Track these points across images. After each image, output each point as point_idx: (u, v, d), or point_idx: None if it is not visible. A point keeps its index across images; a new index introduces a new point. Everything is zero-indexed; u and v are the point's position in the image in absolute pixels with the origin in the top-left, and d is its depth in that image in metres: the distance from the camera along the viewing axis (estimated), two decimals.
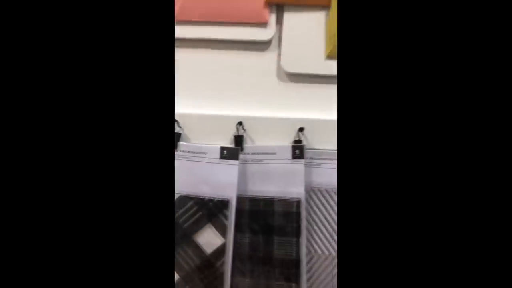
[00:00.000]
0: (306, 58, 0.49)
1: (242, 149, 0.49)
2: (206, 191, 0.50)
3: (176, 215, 0.51)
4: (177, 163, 0.50)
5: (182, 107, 0.51)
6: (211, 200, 0.50)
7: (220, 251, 0.50)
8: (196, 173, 0.49)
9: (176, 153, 0.50)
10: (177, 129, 0.50)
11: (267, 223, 0.50)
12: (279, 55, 0.50)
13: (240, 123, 0.49)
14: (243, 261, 0.51)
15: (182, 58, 0.51)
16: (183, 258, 0.51)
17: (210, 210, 0.50)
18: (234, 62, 0.51)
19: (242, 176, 0.50)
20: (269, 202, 0.50)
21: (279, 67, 0.51)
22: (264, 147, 0.49)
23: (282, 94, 0.51)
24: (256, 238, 0.50)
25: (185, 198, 0.50)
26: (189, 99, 0.51)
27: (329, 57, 0.49)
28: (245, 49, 0.51)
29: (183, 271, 0.52)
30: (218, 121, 0.50)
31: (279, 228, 0.50)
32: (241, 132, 0.49)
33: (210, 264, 0.51)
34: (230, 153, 0.49)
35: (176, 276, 0.52)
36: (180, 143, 0.50)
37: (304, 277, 0.49)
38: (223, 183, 0.49)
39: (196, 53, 0.52)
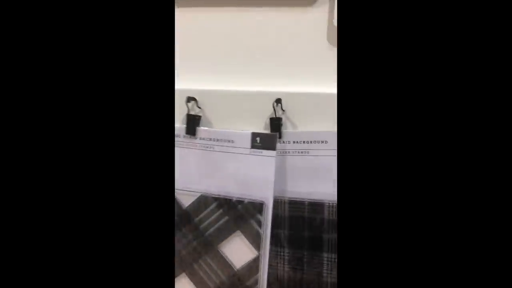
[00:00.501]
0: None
1: (280, 136, 0.37)
2: (234, 190, 0.38)
3: (197, 219, 0.40)
4: (196, 154, 0.39)
5: (202, 83, 0.39)
6: (240, 201, 0.38)
7: (252, 267, 0.39)
8: (221, 166, 0.38)
9: (194, 141, 0.39)
10: (195, 110, 0.39)
11: (314, 234, 0.38)
12: (330, 11, 0.37)
13: (278, 101, 0.37)
14: (282, 282, 0.39)
15: (199, 18, 0.39)
16: (205, 273, 0.41)
17: (240, 214, 0.39)
18: (269, 23, 0.38)
19: (281, 172, 0.38)
20: (317, 206, 0.37)
21: (330, 26, 0.37)
22: (310, 133, 0.37)
23: (333, 63, 0.37)
24: (298, 253, 0.39)
25: (208, 199, 0.39)
26: (210, 72, 0.40)
27: None
28: (283, 4, 0.38)
29: (204, 287, 0.42)
30: (248, 99, 0.38)
31: (329, 242, 0.37)
32: (279, 113, 0.37)
33: (239, 282, 0.40)
34: (265, 140, 0.37)
35: None
36: (200, 128, 0.38)
37: None
38: (256, 180, 0.37)
39: (218, 12, 0.39)
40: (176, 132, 0.39)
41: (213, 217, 0.40)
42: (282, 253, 0.39)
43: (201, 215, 0.40)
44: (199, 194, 0.40)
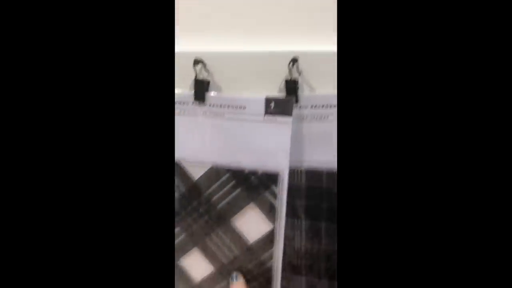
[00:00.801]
0: None
1: (297, 100, 0.34)
2: (247, 160, 0.36)
3: (208, 191, 0.38)
4: (205, 122, 0.36)
5: (208, 44, 0.36)
6: (253, 172, 0.36)
7: (267, 240, 0.37)
8: (233, 135, 0.36)
9: (203, 108, 0.36)
10: (203, 74, 0.36)
11: (332, 205, 0.36)
12: None
13: (293, 62, 0.33)
14: (298, 254, 0.38)
15: None
16: (219, 247, 0.39)
17: (253, 186, 0.36)
18: None
19: (298, 139, 0.35)
20: (335, 176, 0.35)
21: None
22: (330, 96, 0.34)
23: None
24: (315, 224, 0.37)
25: (219, 170, 0.37)
26: (218, 32, 0.36)
27: None
28: None
29: (218, 262, 0.40)
30: (260, 60, 0.35)
31: None
32: (295, 75, 0.34)
33: (253, 256, 0.38)
34: (280, 106, 0.34)
35: (211, 269, 0.41)
36: (209, 93, 0.36)
37: None
38: (270, 150, 0.35)
39: None
40: (183, 99, 0.36)
41: (225, 189, 0.37)
42: (299, 224, 0.37)
43: (212, 188, 0.38)
44: (209, 166, 0.37)
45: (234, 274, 0.39)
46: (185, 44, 0.36)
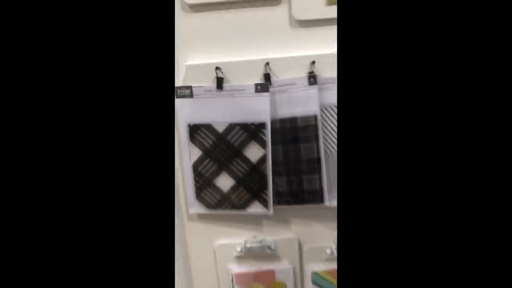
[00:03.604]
0: (311, 7, 0.64)
1: (270, 84, 0.66)
2: (248, 118, 0.68)
3: (228, 137, 0.70)
4: (224, 101, 0.67)
5: (220, 57, 0.67)
6: (252, 124, 0.68)
7: (262, 160, 0.70)
8: (239, 105, 0.67)
9: (222, 92, 0.67)
10: (220, 75, 0.67)
11: (294, 135, 0.69)
12: (290, 6, 0.64)
13: (267, 63, 0.65)
14: (280, 164, 0.71)
15: (216, 19, 0.66)
16: (237, 168, 0.71)
17: (252, 130, 0.69)
18: (253, 17, 0.65)
19: (273, 104, 0.68)
20: (294, 120, 0.68)
21: (291, 17, 0.65)
22: (286, 79, 0.66)
23: (295, 37, 0.66)
24: (287, 147, 0.70)
25: (233, 125, 0.69)
26: (224, 51, 0.67)
27: (328, 3, 0.63)
28: (261, 5, 0.65)
29: (237, 177, 0.72)
30: (249, 65, 0.66)
31: (303, 138, 0.69)
32: (268, 70, 0.66)
33: (256, 169, 0.71)
34: (262, 87, 0.66)
35: (231, 182, 0.73)
36: (225, 84, 0.67)
37: (323, 169, 0.69)
38: (260, 111, 0.67)
39: (222, 14, 0.66)
40: (210, 89, 0.67)
41: (237, 135, 0.69)
42: (278, 148, 0.70)
43: (230, 135, 0.69)
44: (228, 123, 0.68)
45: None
46: (203, 57, 0.66)
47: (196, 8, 0.65)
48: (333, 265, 0.78)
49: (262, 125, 0.68)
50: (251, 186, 0.72)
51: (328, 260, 0.78)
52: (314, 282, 0.79)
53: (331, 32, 0.65)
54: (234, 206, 0.74)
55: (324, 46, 0.66)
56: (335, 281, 0.79)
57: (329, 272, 0.78)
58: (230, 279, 0.78)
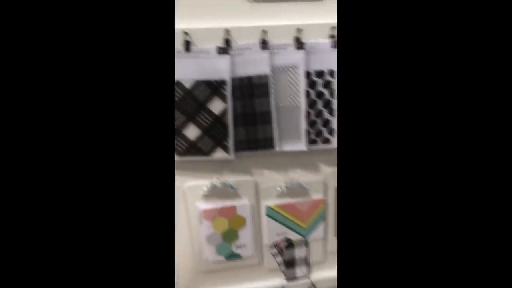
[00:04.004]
0: None
1: (230, 48, 0.80)
2: (211, 76, 0.82)
3: (195, 92, 0.83)
4: (191, 61, 0.80)
5: (188, 24, 0.79)
6: (216, 81, 0.82)
7: (224, 112, 0.85)
8: (206, 65, 0.81)
9: (190, 54, 0.80)
10: (187, 39, 0.79)
11: (250, 91, 0.84)
12: None
13: (227, 31, 0.79)
14: (239, 115, 0.86)
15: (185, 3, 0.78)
16: (202, 120, 0.85)
17: (215, 87, 0.83)
18: None
19: (232, 65, 0.82)
20: (249, 79, 0.83)
21: None
22: (243, 44, 0.81)
23: (252, 10, 0.80)
24: (244, 101, 0.85)
25: (200, 82, 0.82)
26: (192, 18, 0.80)
27: None
28: None
29: (203, 127, 0.86)
30: (214, 32, 0.80)
31: (258, 93, 0.84)
32: (228, 36, 0.80)
33: (219, 120, 0.85)
34: (223, 50, 0.80)
35: (198, 132, 0.87)
36: (192, 47, 0.79)
37: (275, 119, 0.85)
38: (221, 70, 0.81)
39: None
40: (179, 50, 0.79)
41: (202, 91, 0.83)
42: (238, 102, 0.85)
43: (197, 90, 0.83)
44: (194, 81, 0.82)
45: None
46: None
47: None
48: (283, 200, 0.96)
49: (223, 82, 0.82)
50: (215, 135, 0.87)
51: (279, 196, 0.95)
52: (268, 215, 0.96)
53: (281, 8, 0.81)
54: (200, 153, 0.88)
55: (274, 19, 0.81)
56: (284, 213, 0.96)
57: (280, 206, 0.96)
58: (199, 214, 0.93)
